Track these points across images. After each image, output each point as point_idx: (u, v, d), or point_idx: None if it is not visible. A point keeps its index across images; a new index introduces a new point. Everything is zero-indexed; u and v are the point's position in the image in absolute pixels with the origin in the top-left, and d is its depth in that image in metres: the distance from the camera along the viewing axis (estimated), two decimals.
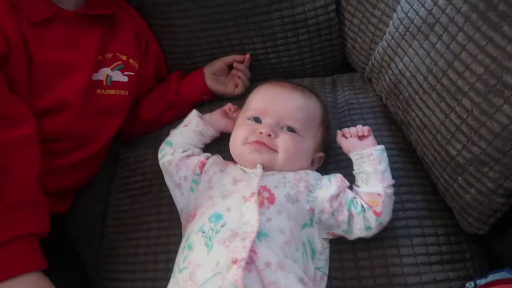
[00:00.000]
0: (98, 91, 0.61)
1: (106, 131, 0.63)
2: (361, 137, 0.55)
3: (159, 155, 0.61)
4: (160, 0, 0.68)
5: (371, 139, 0.55)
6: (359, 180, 0.54)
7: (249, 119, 0.56)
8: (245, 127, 0.55)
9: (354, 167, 0.55)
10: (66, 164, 0.60)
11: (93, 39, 0.61)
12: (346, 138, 0.56)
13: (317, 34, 0.70)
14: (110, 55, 0.63)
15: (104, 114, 0.62)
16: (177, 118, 0.68)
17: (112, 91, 0.63)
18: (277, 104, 0.56)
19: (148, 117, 0.70)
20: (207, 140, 0.63)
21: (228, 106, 0.64)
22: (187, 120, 0.64)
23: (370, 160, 0.53)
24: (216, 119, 0.63)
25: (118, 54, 0.63)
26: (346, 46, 0.72)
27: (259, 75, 0.75)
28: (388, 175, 0.53)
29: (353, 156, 0.55)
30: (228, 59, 0.70)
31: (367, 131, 0.55)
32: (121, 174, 0.69)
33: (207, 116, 0.64)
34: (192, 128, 0.62)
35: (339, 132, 0.57)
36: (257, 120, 0.56)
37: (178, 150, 0.59)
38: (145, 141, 0.71)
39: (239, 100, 0.66)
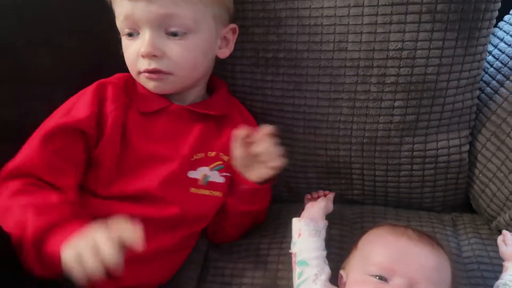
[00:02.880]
0: (193, 189, 0.59)
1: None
2: None
3: (296, 278, 0.55)
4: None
5: None
6: None
7: (372, 275, 0.50)
8: (369, 287, 0.50)
9: (503, 277, 0.54)
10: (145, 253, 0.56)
11: (196, 135, 0.60)
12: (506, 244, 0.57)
13: (444, 171, 0.66)
14: (213, 154, 0.61)
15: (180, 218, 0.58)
16: None
17: (207, 192, 0.60)
18: (407, 262, 0.50)
19: (234, 233, 0.66)
20: (324, 234, 0.59)
21: (316, 194, 0.63)
22: (295, 230, 0.59)
23: None
24: (316, 210, 0.61)
25: (221, 154, 0.61)
26: (472, 187, 0.68)
27: (369, 199, 0.71)
28: None
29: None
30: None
31: None
32: (213, 284, 0.64)
33: (305, 213, 0.61)
34: (307, 233, 0.57)
35: (500, 237, 0.59)
36: (382, 278, 0.50)
37: (321, 277, 0.54)
38: (242, 251, 0.67)
39: None
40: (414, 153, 0.65)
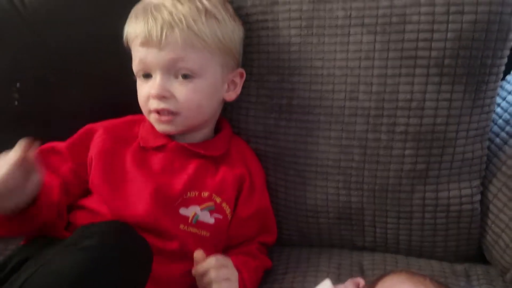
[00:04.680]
0: (181, 226, 0.60)
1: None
2: None
3: None
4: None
5: None
6: None
7: None
8: None
9: None
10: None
11: (191, 173, 0.62)
12: None
13: (456, 221, 0.66)
14: (206, 194, 0.62)
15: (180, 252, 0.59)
16: None
17: (194, 230, 0.61)
18: None
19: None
20: None
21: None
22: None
23: None
24: None
25: (214, 195, 0.62)
26: (485, 238, 0.67)
27: (380, 246, 0.71)
28: None
29: None
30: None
31: None
32: None
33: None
34: None
35: None
36: None
37: None
38: None
39: None
40: (425, 201, 0.66)
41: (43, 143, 0.68)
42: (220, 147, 0.66)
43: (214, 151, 0.65)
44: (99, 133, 0.63)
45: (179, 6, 0.60)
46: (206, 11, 0.60)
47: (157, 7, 0.59)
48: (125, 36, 0.63)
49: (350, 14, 0.62)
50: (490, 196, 0.66)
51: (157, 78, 0.60)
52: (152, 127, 0.64)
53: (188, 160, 0.63)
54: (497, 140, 0.68)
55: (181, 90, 0.60)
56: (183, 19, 0.58)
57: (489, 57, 0.61)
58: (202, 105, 0.62)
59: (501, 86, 0.70)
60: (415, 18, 0.60)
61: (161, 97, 0.60)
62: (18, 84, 0.71)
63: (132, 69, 0.63)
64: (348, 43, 0.63)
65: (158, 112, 0.61)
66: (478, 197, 0.66)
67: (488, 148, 0.67)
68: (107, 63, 0.70)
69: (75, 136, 0.64)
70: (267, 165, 0.71)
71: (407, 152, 0.64)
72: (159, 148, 0.63)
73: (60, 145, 0.63)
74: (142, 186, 0.60)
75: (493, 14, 0.59)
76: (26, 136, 0.69)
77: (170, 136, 0.64)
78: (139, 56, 0.60)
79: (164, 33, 0.58)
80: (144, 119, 0.65)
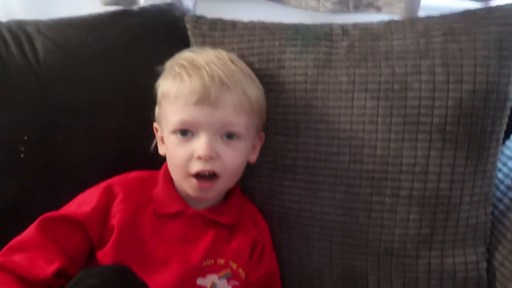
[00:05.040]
0: None
1: None
2: None
3: None
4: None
5: None
6: None
7: None
8: None
9: None
10: None
11: (208, 241, 0.60)
12: None
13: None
14: (222, 261, 0.60)
15: None
16: None
17: None
18: None
19: None
20: None
21: None
22: None
23: None
24: None
25: (230, 261, 0.61)
26: None
27: None
28: None
29: None
30: None
31: None
32: None
33: None
34: None
35: None
36: None
37: None
38: None
39: None
40: (431, 267, 0.64)
41: (45, 197, 0.68)
42: (234, 214, 0.64)
43: (229, 218, 0.63)
44: (119, 199, 0.59)
45: (231, 66, 0.59)
46: (248, 74, 0.62)
47: (210, 65, 0.58)
48: (161, 93, 0.61)
49: (354, 79, 0.65)
50: (496, 264, 0.65)
51: (203, 138, 0.57)
52: (170, 191, 0.62)
53: (205, 228, 0.61)
54: (501, 206, 0.68)
55: (227, 151, 0.58)
56: (237, 81, 0.58)
57: (488, 125, 0.63)
58: (240, 168, 0.62)
59: (501, 152, 0.71)
60: (416, 85, 0.63)
61: (208, 158, 0.57)
62: (25, 137, 0.71)
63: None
64: (352, 107, 0.65)
65: (197, 176, 0.58)
66: (484, 264, 0.65)
67: (492, 214, 0.67)
68: (114, 121, 0.71)
69: (97, 200, 0.59)
70: (271, 224, 0.70)
71: (411, 216, 0.64)
72: (176, 215, 0.61)
73: (80, 213, 0.58)
74: (161, 260, 0.57)
75: (491, 84, 0.61)
76: (28, 188, 0.70)
77: (185, 200, 0.62)
78: (187, 114, 0.57)
79: (222, 93, 0.57)
80: (153, 178, 0.64)
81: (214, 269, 0.59)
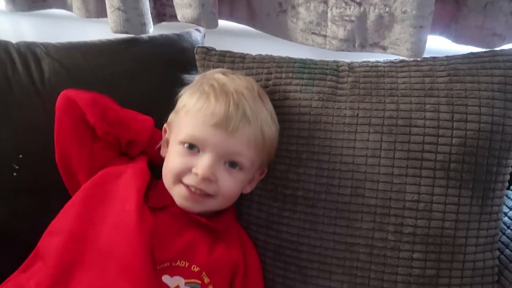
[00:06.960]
0: None
1: None
2: None
3: None
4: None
5: None
6: None
7: None
8: None
9: None
10: None
11: (187, 241, 0.59)
12: None
13: None
14: (196, 269, 0.58)
15: None
16: None
17: None
18: None
19: None
20: None
21: None
22: None
23: None
24: None
25: (204, 273, 0.58)
26: None
27: None
28: None
29: None
30: None
31: None
32: None
33: None
34: None
35: None
36: None
37: None
38: None
39: None
40: None
41: (36, 218, 0.66)
42: (223, 222, 0.63)
43: (217, 224, 0.62)
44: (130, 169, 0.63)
45: (258, 101, 0.61)
46: (271, 113, 0.63)
47: (238, 95, 0.59)
48: (183, 103, 0.62)
49: (358, 113, 0.65)
50: None
51: (207, 158, 0.58)
52: (165, 190, 0.61)
53: (188, 227, 0.60)
54: (507, 251, 0.65)
55: (226, 178, 0.59)
56: (258, 118, 0.60)
57: (494, 165, 0.62)
58: (235, 196, 0.63)
59: (506, 195, 0.70)
60: (420, 122, 0.62)
61: (205, 179, 0.58)
62: (20, 156, 0.70)
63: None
64: (355, 140, 0.64)
65: (192, 191, 0.58)
66: None
67: (498, 259, 0.64)
68: None
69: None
70: (266, 258, 0.67)
71: (415, 255, 0.61)
72: (161, 208, 0.61)
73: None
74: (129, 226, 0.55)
75: (496, 124, 0.61)
76: (19, 208, 0.68)
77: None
78: (201, 132, 0.58)
79: (241, 125, 0.58)
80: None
81: (185, 273, 0.57)
